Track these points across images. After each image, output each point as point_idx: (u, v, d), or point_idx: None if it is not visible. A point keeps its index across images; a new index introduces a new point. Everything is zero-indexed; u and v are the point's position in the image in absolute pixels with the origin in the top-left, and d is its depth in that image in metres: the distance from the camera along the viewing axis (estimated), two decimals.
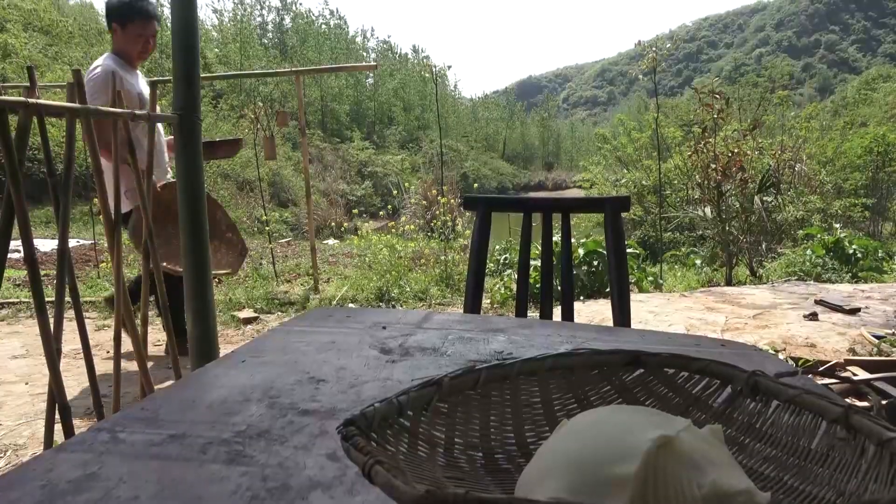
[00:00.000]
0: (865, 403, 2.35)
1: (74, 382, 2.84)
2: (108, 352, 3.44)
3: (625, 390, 0.54)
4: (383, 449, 0.40)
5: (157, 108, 2.30)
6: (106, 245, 2.11)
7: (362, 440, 0.38)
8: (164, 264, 1.87)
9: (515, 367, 0.51)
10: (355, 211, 12.98)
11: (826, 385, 2.34)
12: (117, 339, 2.09)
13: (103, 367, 2.93)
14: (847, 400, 2.00)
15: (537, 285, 4.46)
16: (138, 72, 3.13)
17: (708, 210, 6.82)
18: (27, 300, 4.80)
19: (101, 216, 2.09)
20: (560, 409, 0.52)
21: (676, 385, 0.53)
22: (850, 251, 6.23)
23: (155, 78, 2.69)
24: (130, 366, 2.63)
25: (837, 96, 42.20)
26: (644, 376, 0.54)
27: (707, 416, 0.50)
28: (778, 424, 0.47)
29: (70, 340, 2.04)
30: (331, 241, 10.74)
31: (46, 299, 1.69)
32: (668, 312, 4.01)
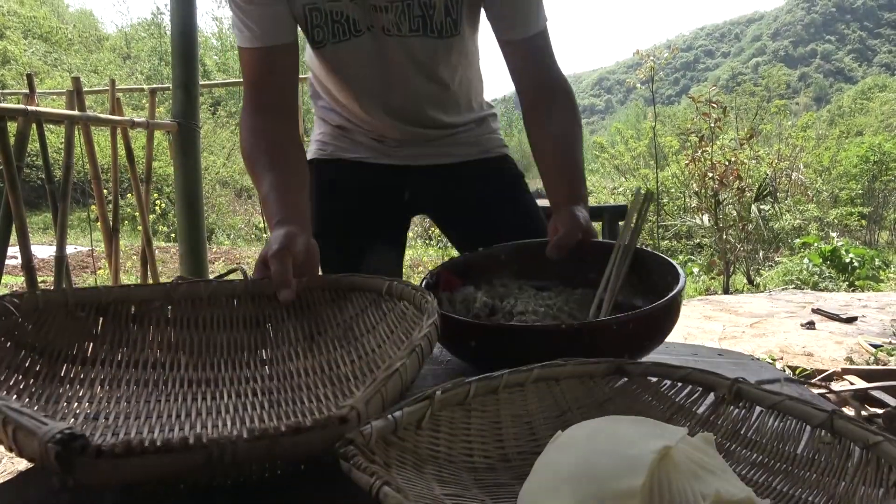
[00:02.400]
0: (863, 412, 2.36)
1: None
2: None
3: (609, 400, 0.54)
4: (382, 467, 0.40)
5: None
6: (104, 251, 2.11)
7: (363, 460, 0.38)
8: None
9: (503, 378, 0.51)
10: None
11: (823, 394, 2.34)
12: None
13: None
14: (844, 409, 2.00)
15: None
16: None
17: (705, 218, 6.85)
18: None
19: (98, 223, 2.09)
20: (552, 420, 0.52)
21: (660, 393, 0.54)
22: (847, 260, 6.25)
23: (154, 85, 2.70)
24: None
25: (833, 105, 42.38)
26: (628, 385, 0.55)
27: (691, 424, 0.50)
28: (763, 430, 0.48)
29: None
30: None
31: None
32: None
